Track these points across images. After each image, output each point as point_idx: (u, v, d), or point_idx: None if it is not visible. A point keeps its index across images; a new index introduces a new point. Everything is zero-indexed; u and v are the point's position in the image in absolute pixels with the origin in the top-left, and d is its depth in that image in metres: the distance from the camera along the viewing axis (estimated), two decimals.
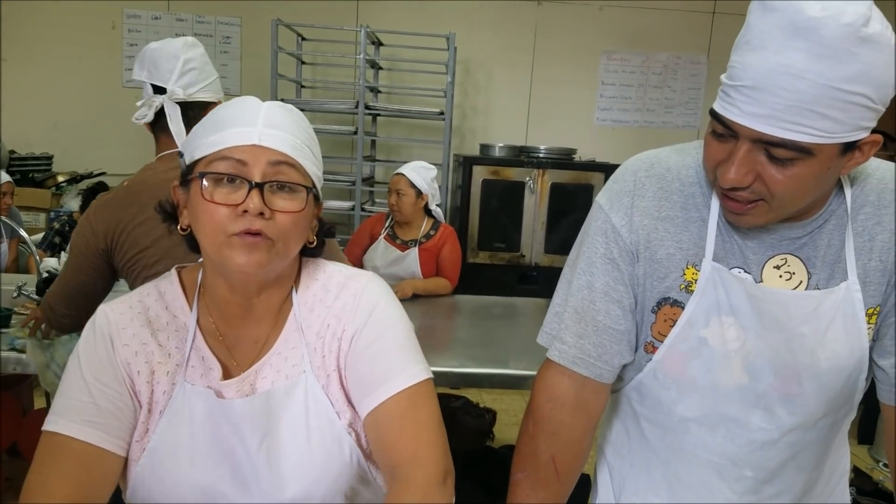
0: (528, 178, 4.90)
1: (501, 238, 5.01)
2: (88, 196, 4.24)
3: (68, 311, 1.93)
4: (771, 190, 0.95)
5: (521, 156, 5.05)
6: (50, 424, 1.01)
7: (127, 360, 1.06)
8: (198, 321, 1.11)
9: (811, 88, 0.86)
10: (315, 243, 1.14)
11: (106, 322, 1.08)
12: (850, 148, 0.93)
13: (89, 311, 1.17)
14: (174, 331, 1.10)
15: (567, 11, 5.65)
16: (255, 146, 1.00)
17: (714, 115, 0.97)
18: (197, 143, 1.03)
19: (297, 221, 1.04)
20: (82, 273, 1.86)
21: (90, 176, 5.11)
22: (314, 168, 1.08)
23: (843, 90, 0.87)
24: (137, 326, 1.09)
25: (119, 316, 1.09)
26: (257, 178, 0.99)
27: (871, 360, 1.09)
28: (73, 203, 4.82)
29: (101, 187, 4.29)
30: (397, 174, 3.46)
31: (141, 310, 1.11)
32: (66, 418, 1.01)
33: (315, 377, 1.09)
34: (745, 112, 0.91)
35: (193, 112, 1.85)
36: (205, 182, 1.00)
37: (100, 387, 1.04)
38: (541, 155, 5.03)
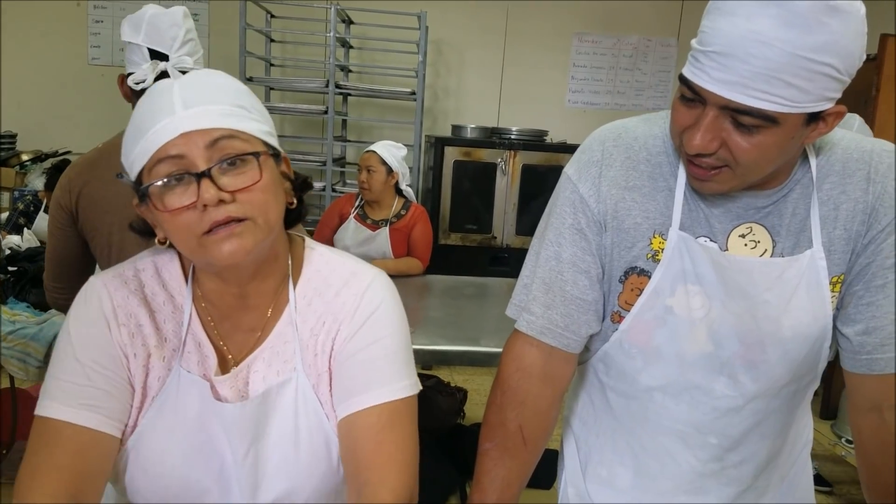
0: (499, 160, 4.91)
1: (473, 219, 5.01)
2: (53, 174, 4.17)
3: (55, 285, 1.89)
4: (735, 157, 0.96)
5: (493, 137, 5.05)
6: (42, 409, 0.96)
7: (123, 341, 1.01)
8: (194, 303, 1.06)
9: (779, 56, 0.87)
10: (295, 203, 1.07)
11: (99, 299, 1.02)
12: (814, 118, 0.94)
13: (77, 283, 1.11)
14: (170, 312, 1.05)
15: None
16: (183, 135, 0.90)
17: (683, 79, 0.97)
18: (131, 158, 0.94)
19: (265, 189, 0.95)
20: (55, 237, 1.82)
21: (55, 155, 5.02)
22: (258, 125, 0.97)
23: (810, 59, 0.87)
24: (134, 306, 1.03)
25: (114, 292, 1.02)
26: (202, 166, 0.91)
27: (835, 328, 1.11)
28: (37, 182, 4.73)
29: (66, 164, 4.21)
30: (368, 151, 3.45)
31: (137, 286, 1.04)
32: (58, 402, 0.95)
33: (306, 376, 1.05)
34: (714, 78, 0.91)
35: None
36: (152, 195, 0.93)
37: (96, 367, 0.98)
38: (512, 136, 5.03)
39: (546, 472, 1.40)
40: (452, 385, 3.86)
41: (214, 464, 1.01)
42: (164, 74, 1.74)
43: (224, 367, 1.05)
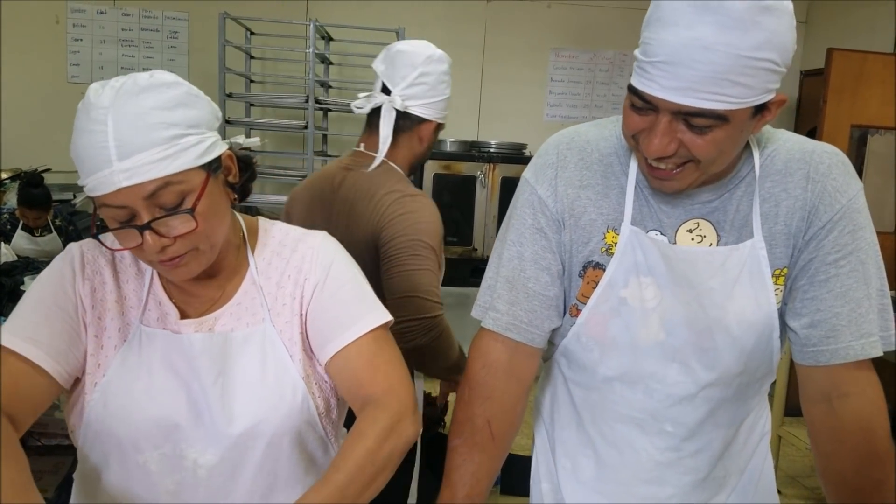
0: (479, 173, 4.95)
1: (453, 232, 5.04)
2: (23, 189, 4.14)
3: None
4: (694, 154, 1.01)
5: (473, 151, 5.09)
6: None
7: (84, 293, 1.10)
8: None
9: (723, 59, 0.92)
10: (238, 197, 1.14)
11: (72, 255, 1.12)
12: (759, 109, 1.00)
13: None
14: (133, 274, 1.14)
15: (515, 9, 5.72)
16: (121, 190, 0.96)
17: (633, 90, 1.02)
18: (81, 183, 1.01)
19: (204, 222, 1.02)
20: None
21: (34, 173, 4.99)
22: (194, 149, 1.00)
23: (751, 58, 0.93)
24: (102, 264, 1.13)
25: (87, 251, 1.13)
26: (144, 216, 0.98)
27: (784, 323, 1.16)
28: (16, 200, 4.71)
29: (36, 178, 4.18)
30: None
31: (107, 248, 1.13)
32: (10, 332, 1.03)
33: (272, 324, 1.14)
34: (664, 86, 0.96)
35: (404, 122, 1.82)
36: (101, 238, 1.04)
37: (55, 309, 1.07)
38: (492, 150, 5.08)
39: (524, 479, 1.42)
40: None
41: (181, 397, 1.08)
42: (376, 110, 1.82)
43: (186, 318, 1.13)
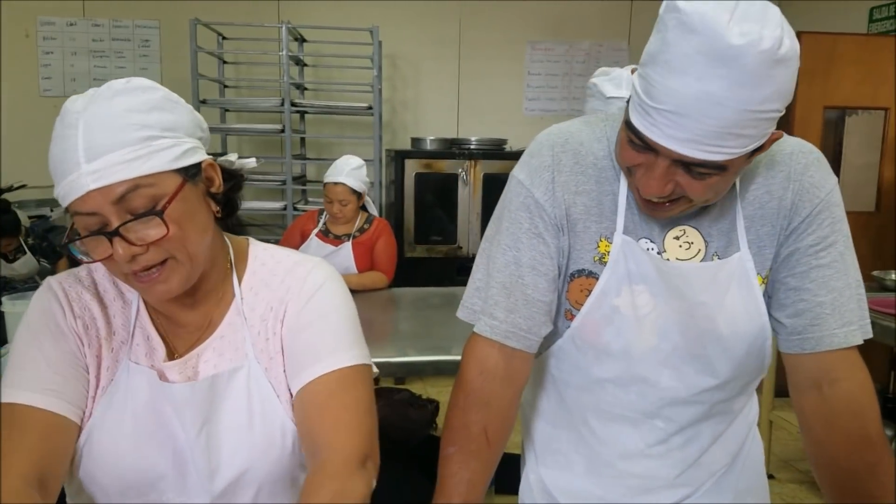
0: (460, 170, 4.94)
1: (438, 231, 5.03)
2: None
3: None
4: (689, 194, 1.02)
5: (453, 148, 5.08)
6: (8, 397, 0.98)
7: (79, 331, 1.05)
8: (142, 299, 1.09)
9: (732, 114, 0.91)
10: (221, 212, 1.08)
11: (55, 294, 1.06)
12: (755, 150, 1.00)
13: None
14: (120, 308, 1.09)
15: (490, 3, 5.69)
16: (90, 193, 0.91)
17: (633, 129, 1.00)
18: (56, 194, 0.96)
19: (180, 228, 0.97)
20: None
21: (10, 189, 4.91)
22: (169, 151, 0.96)
23: (759, 111, 0.92)
24: (88, 300, 1.07)
25: (69, 288, 1.07)
26: (114, 222, 0.93)
27: (770, 316, 1.16)
28: None
29: (3, 204, 4.06)
30: (337, 184, 3.37)
31: (90, 283, 1.09)
32: (23, 388, 0.98)
33: (257, 361, 1.08)
34: (668, 135, 0.95)
35: None
36: (72, 247, 0.98)
37: (58, 353, 1.02)
38: (472, 146, 5.07)
39: (515, 477, 1.41)
40: (424, 397, 3.86)
41: (167, 447, 1.03)
42: None
43: (172, 358, 1.08)
